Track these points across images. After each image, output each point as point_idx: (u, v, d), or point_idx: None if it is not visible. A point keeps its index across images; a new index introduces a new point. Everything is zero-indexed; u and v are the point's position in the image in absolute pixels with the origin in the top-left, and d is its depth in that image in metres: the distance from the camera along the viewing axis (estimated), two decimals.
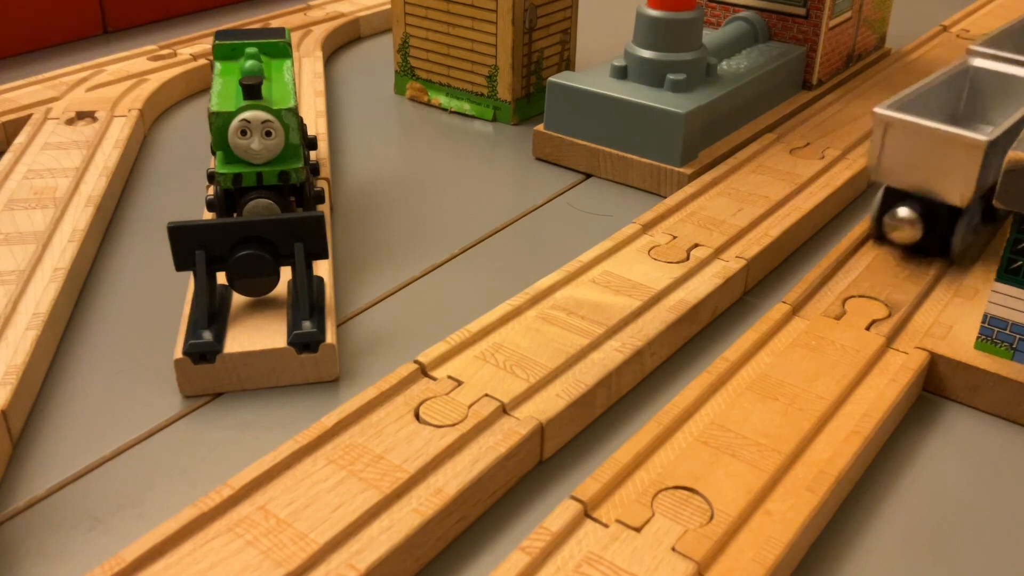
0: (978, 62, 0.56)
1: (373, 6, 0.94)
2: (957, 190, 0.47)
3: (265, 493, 0.35)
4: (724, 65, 0.68)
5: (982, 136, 0.46)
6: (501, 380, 0.41)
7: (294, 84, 0.50)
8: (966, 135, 0.46)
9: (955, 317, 0.46)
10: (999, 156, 0.47)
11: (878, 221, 0.51)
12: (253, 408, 0.42)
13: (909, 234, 0.49)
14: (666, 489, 0.36)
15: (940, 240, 0.49)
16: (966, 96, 0.57)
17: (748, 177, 0.60)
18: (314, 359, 0.43)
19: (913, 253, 0.51)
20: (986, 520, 0.37)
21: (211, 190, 0.50)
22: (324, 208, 0.55)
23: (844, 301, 0.47)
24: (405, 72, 0.76)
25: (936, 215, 0.49)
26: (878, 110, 0.49)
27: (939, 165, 0.47)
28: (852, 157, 0.63)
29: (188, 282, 0.47)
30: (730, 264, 0.50)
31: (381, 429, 0.38)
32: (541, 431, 0.39)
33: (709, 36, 0.69)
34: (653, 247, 0.52)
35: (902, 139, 0.48)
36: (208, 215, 0.52)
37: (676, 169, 0.60)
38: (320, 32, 0.86)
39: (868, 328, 0.45)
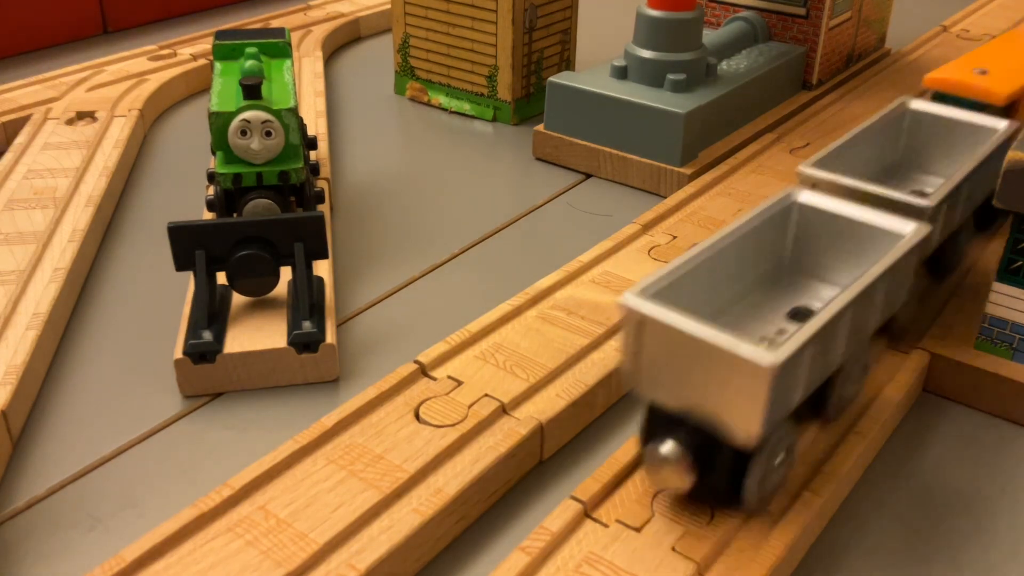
0: (805, 198, 0.40)
1: (373, 6, 0.94)
2: (741, 424, 0.30)
3: (265, 493, 0.35)
4: (724, 65, 0.68)
5: (767, 358, 0.29)
6: (501, 380, 0.41)
7: (294, 84, 0.50)
8: (744, 355, 0.29)
9: (955, 317, 0.46)
10: (809, 371, 0.32)
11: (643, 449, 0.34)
12: (253, 408, 0.42)
13: (674, 480, 0.32)
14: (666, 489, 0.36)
15: (725, 487, 0.33)
16: (792, 242, 0.40)
17: (748, 177, 0.60)
18: (314, 359, 0.43)
19: (696, 499, 0.35)
20: (986, 520, 0.37)
21: (211, 190, 0.50)
22: (324, 208, 0.55)
23: None
24: (405, 72, 0.76)
25: (717, 453, 0.32)
26: (629, 302, 0.32)
27: (715, 388, 0.31)
28: None
29: (188, 282, 0.47)
30: None
31: (381, 429, 0.38)
32: (541, 431, 0.39)
33: (709, 36, 0.69)
34: (653, 247, 0.52)
35: (663, 344, 0.31)
36: (208, 215, 0.52)
37: (676, 169, 0.60)
38: (320, 32, 0.86)
39: None
